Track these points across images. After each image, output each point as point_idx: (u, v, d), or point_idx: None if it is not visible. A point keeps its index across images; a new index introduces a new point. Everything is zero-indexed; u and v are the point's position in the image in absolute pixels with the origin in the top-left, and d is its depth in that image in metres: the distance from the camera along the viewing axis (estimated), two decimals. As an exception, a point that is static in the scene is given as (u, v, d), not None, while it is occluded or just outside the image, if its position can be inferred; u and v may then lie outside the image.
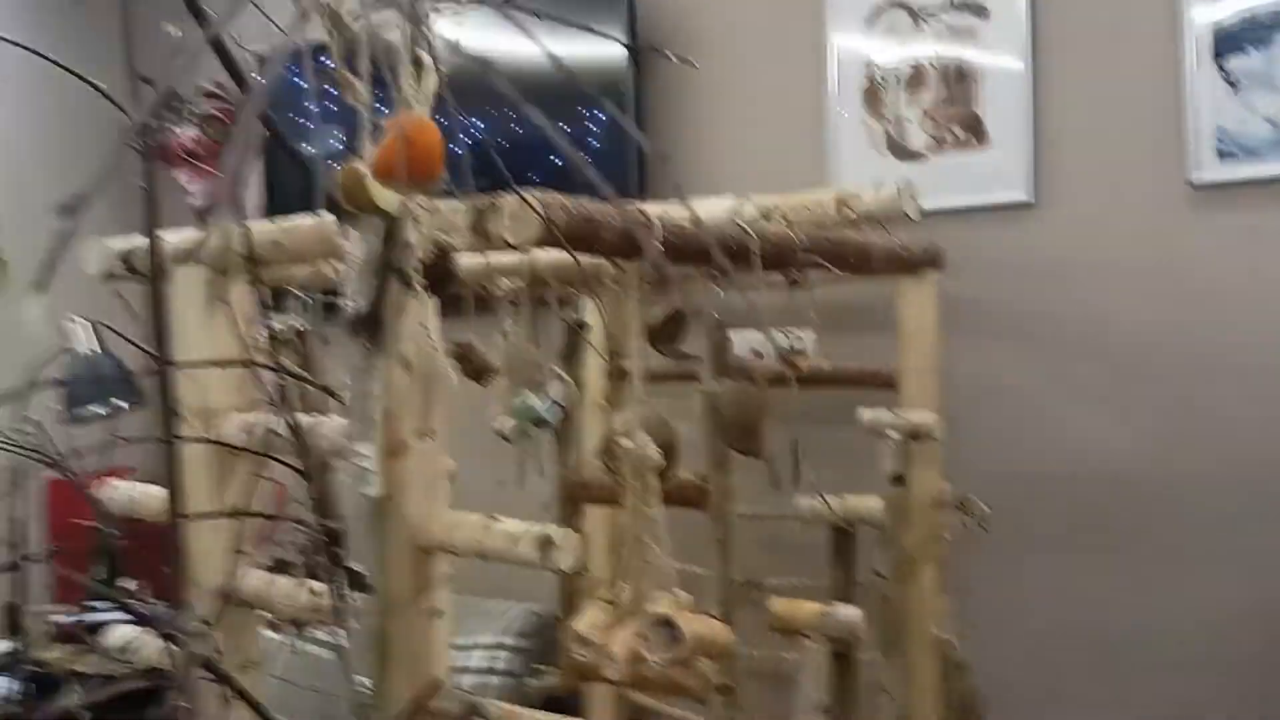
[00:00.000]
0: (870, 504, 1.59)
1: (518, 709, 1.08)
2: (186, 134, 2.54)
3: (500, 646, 2.19)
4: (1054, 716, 1.93)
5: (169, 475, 1.10)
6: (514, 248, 0.95)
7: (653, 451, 1.13)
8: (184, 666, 0.96)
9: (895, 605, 1.71)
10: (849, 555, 1.64)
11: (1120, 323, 1.85)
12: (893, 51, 2.05)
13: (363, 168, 0.78)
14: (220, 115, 2.57)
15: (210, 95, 2.60)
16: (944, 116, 2.01)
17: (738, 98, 2.21)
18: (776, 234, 1.31)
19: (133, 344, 1.05)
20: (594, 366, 1.96)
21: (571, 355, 1.71)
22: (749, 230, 1.23)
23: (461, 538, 1.03)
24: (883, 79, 2.07)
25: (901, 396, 1.74)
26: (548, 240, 0.95)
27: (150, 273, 1.04)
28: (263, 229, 1.09)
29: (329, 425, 1.09)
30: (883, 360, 1.82)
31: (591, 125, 2.26)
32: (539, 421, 1.40)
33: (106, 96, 0.96)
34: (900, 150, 2.05)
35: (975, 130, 1.99)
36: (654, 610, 1.11)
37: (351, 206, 0.79)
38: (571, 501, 1.73)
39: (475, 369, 1.46)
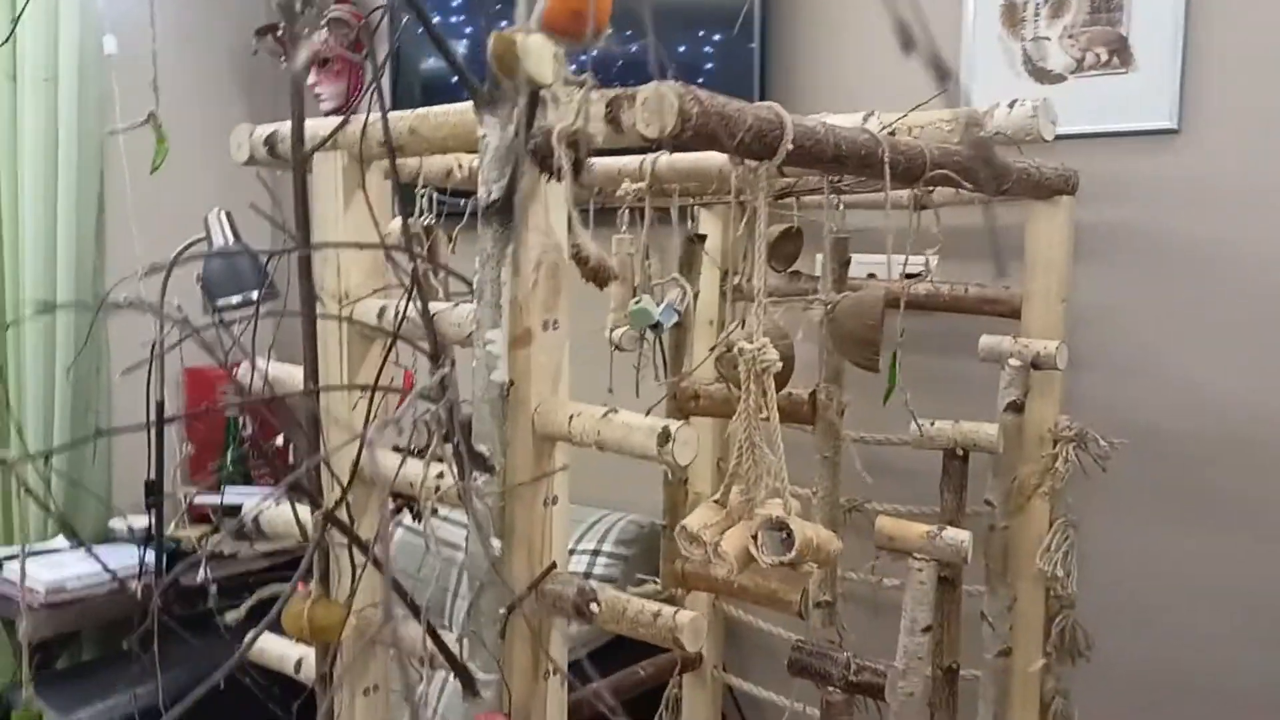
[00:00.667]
0: (986, 430, 1.57)
1: (626, 595, 1.11)
2: (316, 38, 2.60)
3: (598, 553, 2.24)
4: (1156, 662, 1.90)
5: (306, 353, 1.15)
6: (647, 140, 0.96)
7: (772, 354, 1.13)
8: (319, 527, 1.01)
9: (1004, 536, 1.69)
10: (960, 482, 1.62)
11: (1266, 262, 1.77)
12: (1036, -31, 1.98)
13: (515, 35, 0.79)
14: (348, 20, 2.62)
15: (341, 1, 2.65)
16: (1087, 37, 1.93)
17: (865, 17, 2.16)
18: (906, 145, 1.29)
19: (277, 226, 1.09)
20: (709, 281, 1.96)
21: (688, 268, 1.72)
22: (878, 137, 1.21)
23: (580, 426, 1.05)
24: (1023, -2, 1.99)
25: (1024, 325, 1.70)
26: (680, 134, 0.95)
27: (294, 156, 1.08)
28: (400, 117, 1.11)
29: (457, 312, 1.12)
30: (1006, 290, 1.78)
31: (708, 49, 2.24)
32: (654, 326, 1.41)
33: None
34: (1039, 72, 1.98)
35: (1120, 53, 1.91)
36: (766, 513, 1.12)
37: (503, 74, 0.80)
38: (681, 412, 1.75)
39: (593, 272, 1.47)
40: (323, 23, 2.57)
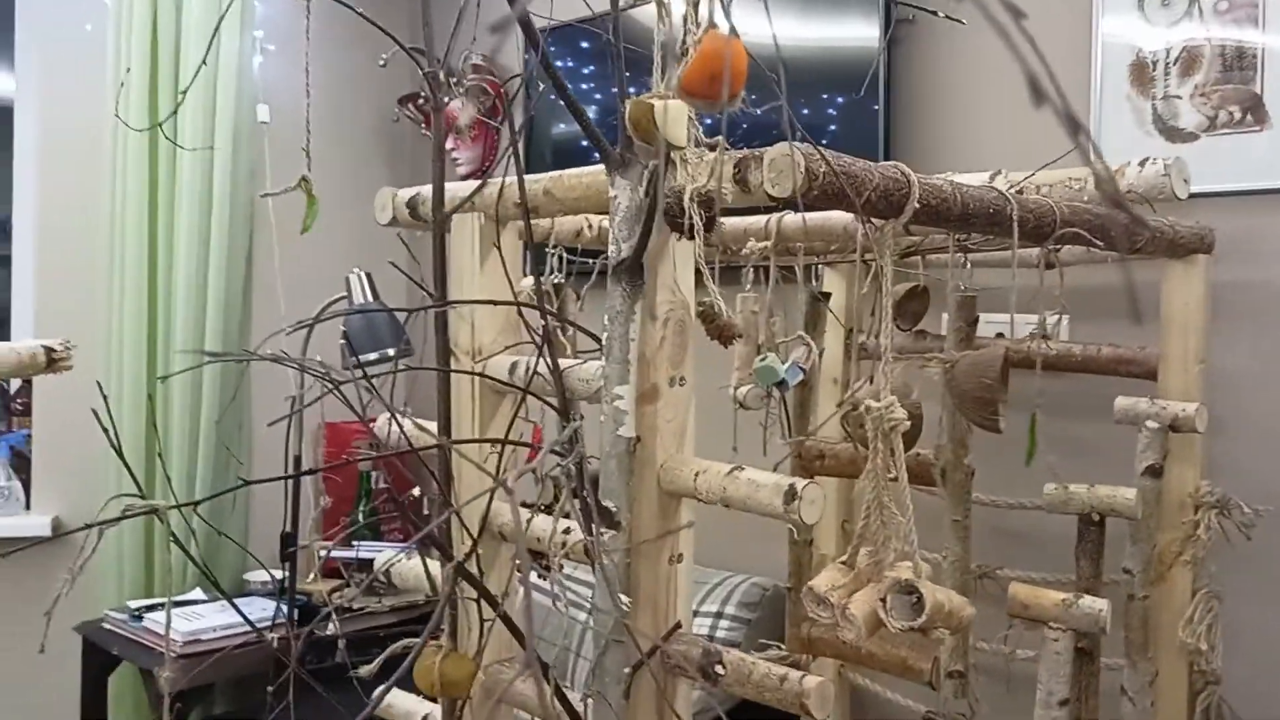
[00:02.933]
0: (1124, 495, 1.51)
1: (752, 658, 1.10)
2: (454, 105, 2.72)
3: (720, 615, 2.22)
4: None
5: (440, 406, 1.19)
6: (774, 200, 0.97)
7: (900, 412, 1.12)
8: (450, 581, 1.04)
9: (1144, 606, 1.62)
10: (1097, 549, 1.56)
11: None
12: (1164, 28, 1.94)
13: (652, 100, 0.82)
14: (486, 87, 2.73)
15: (477, 69, 2.76)
16: (1219, 95, 1.88)
17: (990, 77, 2.14)
18: (1035, 203, 1.27)
19: (415, 284, 1.13)
20: (834, 339, 1.96)
21: (813, 326, 1.72)
22: (1007, 195, 1.20)
23: (706, 483, 1.06)
24: (1152, 57, 1.95)
25: (1161, 386, 1.65)
26: (807, 193, 0.96)
27: (435, 217, 1.13)
28: (535, 180, 1.15)
29: (585, 368, 1.14)
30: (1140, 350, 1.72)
31: (832, 110, 2.26)
32: (779, 383, 1.42)
33: (405, 49, 1.04)
34: (1170, 130, 1.94)
35: (1254, 110, 1.85)
36: (895, 575, 1.10)
37: (640, 138, 0.83)
38: (806, 471, 1.74)
39: (719, 330, 1.49)
40: (462, 91, 2.68)
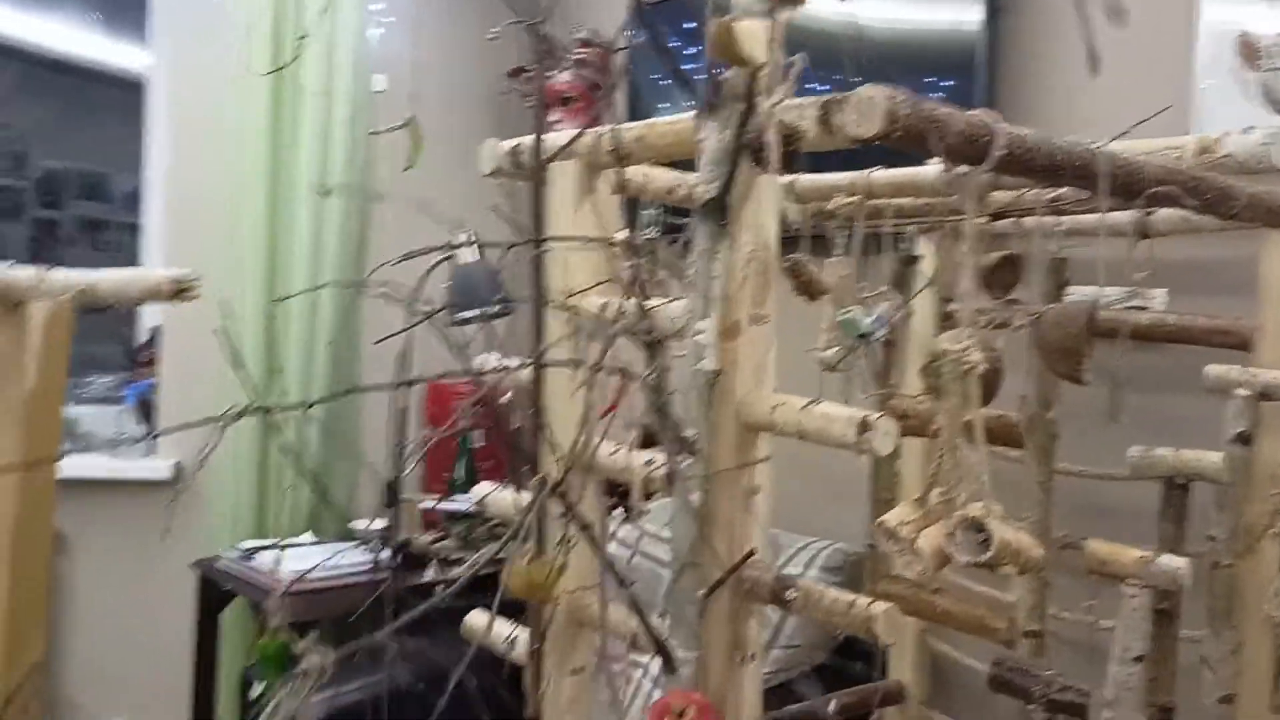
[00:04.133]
0: (1210, 458, 1.51)
1: (823, 587, 1.15)
2: (561, 78, 2.80)
3: (804, 578, 2.25)
4: None
5: (533, 339, 1.26)
6: (858, 141, 1.01)
7: (976, 354, 1.15)
8: (538, 491, 1.11)
9: (1229, 574, 1.61)
10: (1180, 514, 1.56)
11: None
12: (1267, 4, 1.91)
13: (731, 21, 0.87)
14: (591, 60, 2.80)
15: (584, 44, 2.83)
16: (1334, 67, 1.85)
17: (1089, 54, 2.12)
18: (1125, 159, 1.28)
19: (514, 226, 1.20)
20: (923, 306, 1.98)
21: (900, 288, 1.75)
22: (1093, 150, 1.21)
23: (783, 417, 1.10)
24: (1259, 33, 1.92)
25: (1256, 357, 1.63)
26: (889, 134, 1.00)
27: (534, 162, 1.20)
28: (629, 127, 1.21)
29: (672, 308, 1.20)
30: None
31: (931, 95, 2.27)
32: (863, 336, 1.45)
33: (515, 22, 1.11)
34: (1277, 104, 1.90)
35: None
36: (965, 512, 1.14)
37: (721, 56, 0.88)
38: (889, 431, 1.76)
39: (805, 285, 1.53)
40: (567, 64, 2.76)
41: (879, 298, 1.54)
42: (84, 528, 2.85)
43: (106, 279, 1.21)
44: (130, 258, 3.21)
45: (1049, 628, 1.78)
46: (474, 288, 2.03)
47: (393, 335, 1.13)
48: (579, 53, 2.84)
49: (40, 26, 3.47)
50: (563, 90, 2.84)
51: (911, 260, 1.76)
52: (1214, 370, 1.62)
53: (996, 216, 1.64)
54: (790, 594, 1.12)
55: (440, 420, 3.00)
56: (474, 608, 1.47)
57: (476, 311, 2.00)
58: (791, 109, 0.98)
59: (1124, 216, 1.67)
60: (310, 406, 1.22)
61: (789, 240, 1.23)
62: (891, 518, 1.18)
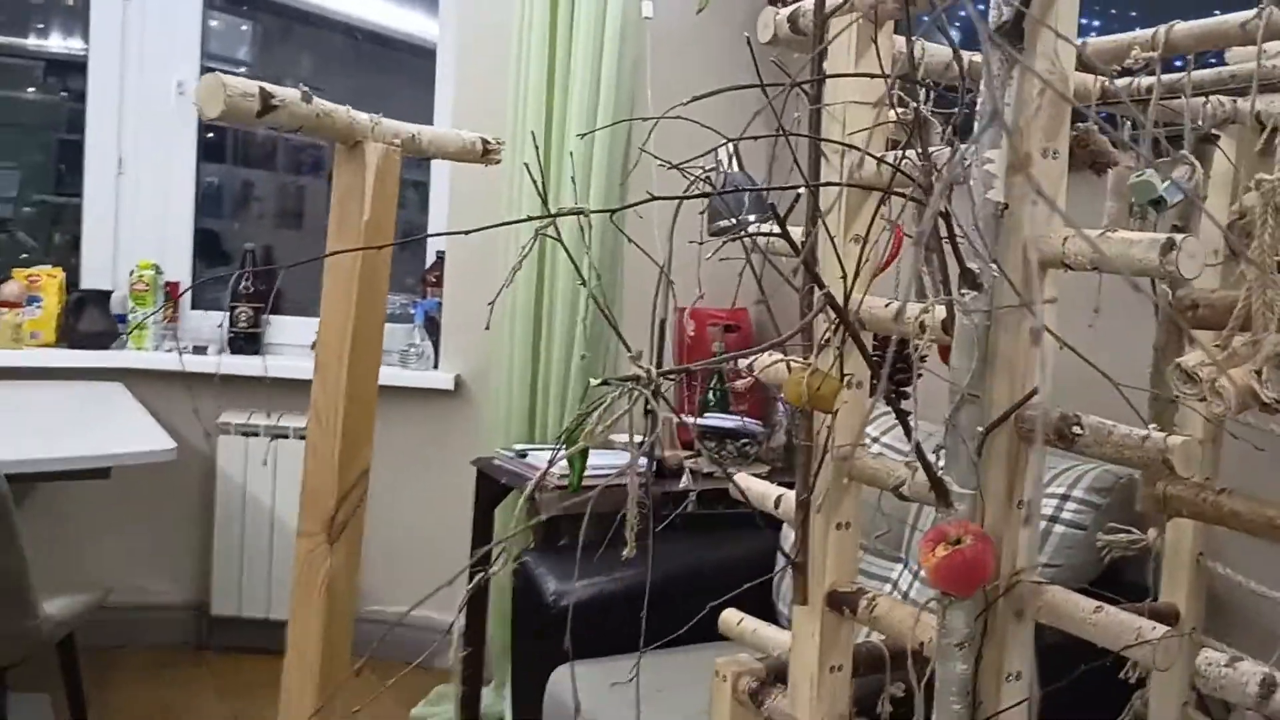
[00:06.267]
0: None
1: (1111, 423, 1.12)
2: None
3: (1067, 498, 2.17)
4: None
5: (810, 199, 1.29)
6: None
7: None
8: (820, 303, 1.14)
9: None
10: None
11: None
12: None
13: None
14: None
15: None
16: None
17: None
18: None
19: (783, 70, 1.23)
20: (1216, 205, 1.86)
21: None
22: None
23: (1076, 247, 1.08)
24: None
25: None
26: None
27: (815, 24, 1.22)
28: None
29: (945, 152, 1.19)
30: None
31: None
32: (1156, 201, 1.38)
33: None
34: None
35: None
36: (1275, 350, 1.08)
37: None
38: (1170, 323, 1.67)
39: (1092, 155, 1.47)
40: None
41: (1175, 160, 1.46)
42: (378, 431, 3.12)
43: (428, 131, 1.33)
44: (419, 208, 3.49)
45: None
46: (735, 196, 2.07)
47: (672, 198, 1.18)
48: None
49: (349, 1, 3.85)
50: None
51: (1208, 139, 1.66)
52: None
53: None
54: (1076, 430, 1.10)
55: (696, 345, 3.08)
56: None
57: (734, 220, 2.04)
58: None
59: None
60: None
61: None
62: (1190, 359, 1.13)
